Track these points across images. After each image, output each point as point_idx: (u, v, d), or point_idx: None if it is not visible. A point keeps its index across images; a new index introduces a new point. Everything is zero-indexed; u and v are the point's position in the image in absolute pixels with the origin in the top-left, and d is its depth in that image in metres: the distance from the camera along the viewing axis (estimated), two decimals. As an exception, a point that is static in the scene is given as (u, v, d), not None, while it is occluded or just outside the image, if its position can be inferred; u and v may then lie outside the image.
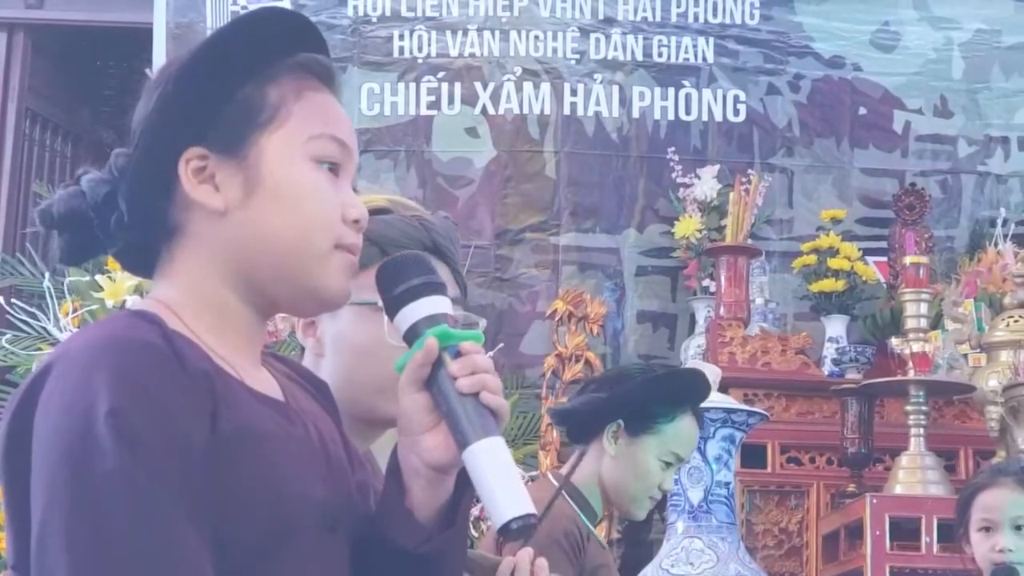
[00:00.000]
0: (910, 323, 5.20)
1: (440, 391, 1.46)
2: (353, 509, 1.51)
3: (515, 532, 1.41)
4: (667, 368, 3.62)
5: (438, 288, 1.51)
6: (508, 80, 6.88)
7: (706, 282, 6.44)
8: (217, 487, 1.36)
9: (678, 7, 6.98)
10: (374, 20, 6.93)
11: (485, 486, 1.42)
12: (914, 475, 5.12)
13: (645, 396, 3.19)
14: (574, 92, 6.88)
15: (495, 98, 6.86)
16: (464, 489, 1.50)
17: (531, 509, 1.42)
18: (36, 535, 1.32)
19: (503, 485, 1.42)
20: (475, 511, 3.52)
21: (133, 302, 5.00)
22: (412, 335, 1.48)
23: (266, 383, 1.51)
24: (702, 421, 3.32)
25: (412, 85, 6.85)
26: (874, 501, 4.96)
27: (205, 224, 1.47)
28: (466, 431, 1.44)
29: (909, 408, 5.18)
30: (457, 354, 1.46)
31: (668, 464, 3.20)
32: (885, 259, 6.54)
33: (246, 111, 1.48)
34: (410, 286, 1.49)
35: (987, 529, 3.58)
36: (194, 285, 1.48)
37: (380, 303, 1.54)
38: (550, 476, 3.22)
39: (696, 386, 3.29)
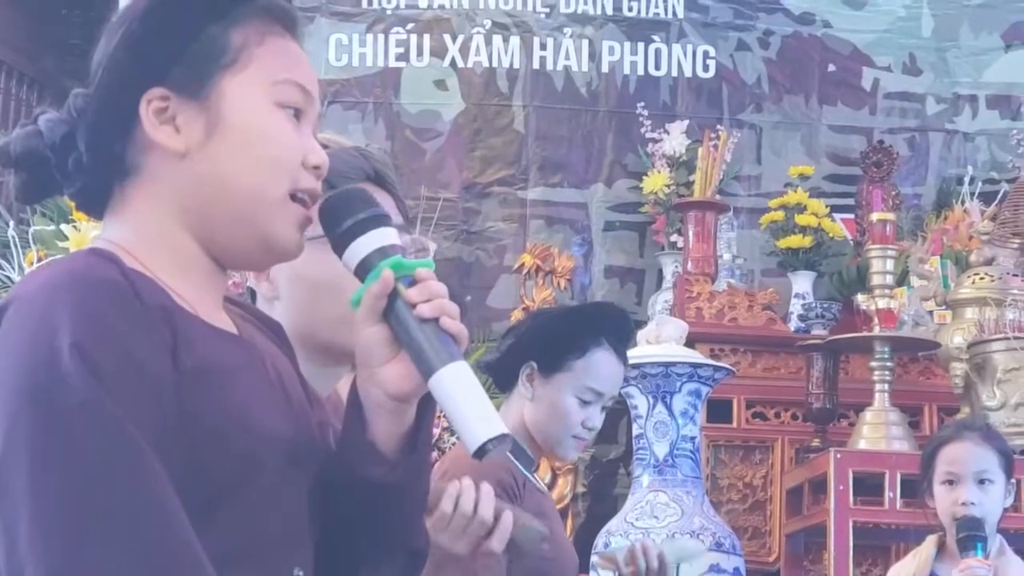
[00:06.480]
0: (876, 279, 5.21)
1: (399, 321, 1.45)
2: (314, 444, 1.51)
3: (491, 453, 1.41)
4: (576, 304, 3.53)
5: (384, 220, 1.49)
6: (477, 33, 6.84)
7: (674, 237, 6.45)
8: (183, 423, 1.35)
9: (649, -39, 6.96)
10: (343, -30, 6.89)
11: (456, 411, 1.42)
12: (878, 431, 5.14)
13: (551, 333, 3.11)
14: (543, 46, 6.86)
15: (464, 51, 6.82)
16: (424, 416, 1.50)
17: (504, 429, 1.42)
18: None
19: (474, 408, 1.41)
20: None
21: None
22: (364, 269, 1.47)
23: (224, 321, 1.50)
24: (624, 356, 3.19)
25: (381, 36, 6.81)
26: (838, 456, 4.98)
27: (163, 166, 1.47)
28: (430, 358, 1.43)
29: (874, 364, 5.20)
30: (412, 282, 1.45)
31: (587, 402, 3.09)
32: (852, 216, 6.56)
33: (210, 52, 1.47)
34: (356, 220, 1.48)
35: (951, 482, 3.61)
36: (148, 226, 1.47)
37: None
38: None
39: (607, 318, 3.21)
